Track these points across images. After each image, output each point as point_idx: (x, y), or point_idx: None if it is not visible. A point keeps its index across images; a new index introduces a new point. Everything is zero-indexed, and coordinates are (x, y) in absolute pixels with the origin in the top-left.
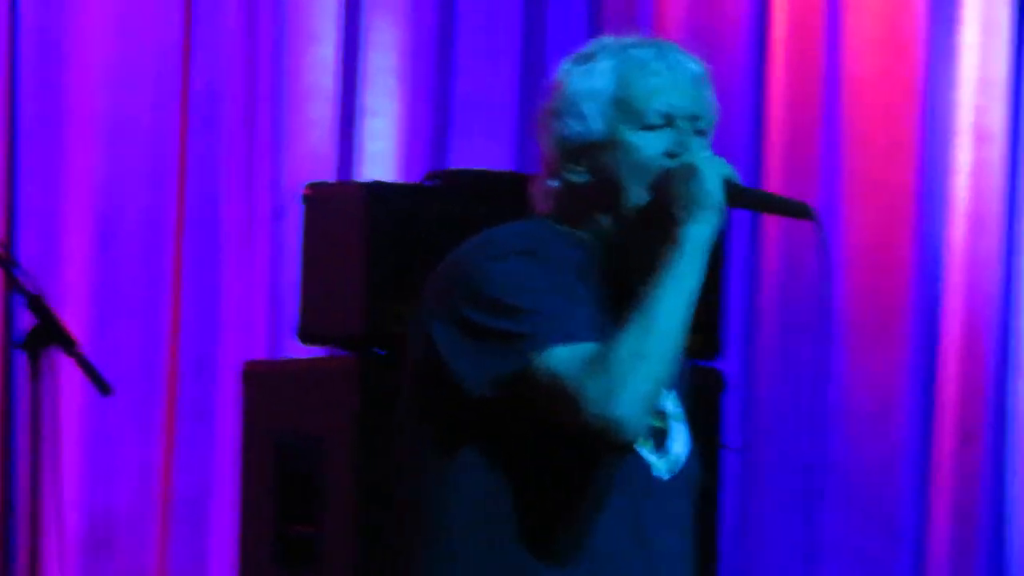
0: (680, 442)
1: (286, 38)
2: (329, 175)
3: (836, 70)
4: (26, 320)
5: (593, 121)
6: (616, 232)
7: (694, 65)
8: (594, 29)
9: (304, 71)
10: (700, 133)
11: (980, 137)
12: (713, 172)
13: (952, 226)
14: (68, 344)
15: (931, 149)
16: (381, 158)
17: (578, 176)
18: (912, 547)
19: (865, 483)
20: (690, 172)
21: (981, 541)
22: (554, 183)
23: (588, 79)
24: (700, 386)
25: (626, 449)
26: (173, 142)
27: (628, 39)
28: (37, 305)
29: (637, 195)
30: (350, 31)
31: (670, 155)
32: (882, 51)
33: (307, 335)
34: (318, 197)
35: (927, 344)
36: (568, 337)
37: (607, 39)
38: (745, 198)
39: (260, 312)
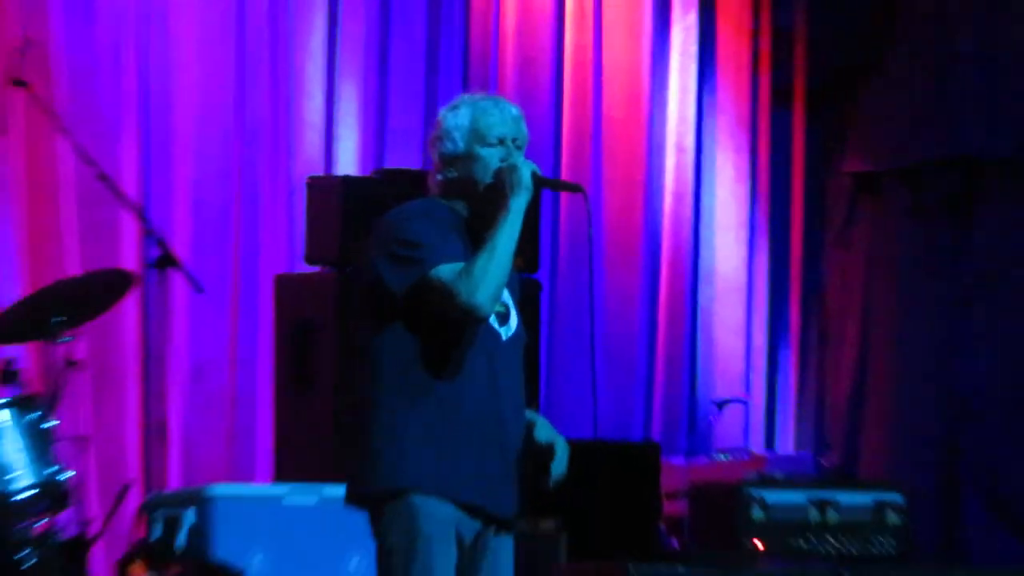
0: (514, 319)
1: (294, 95)
2: (319, 171)
3: (600, 114)
4: (155, 252)
5: (459, 143)
6: (473, 205)
7: (515, 110)
8: (466, 86)
9: (304, 114)
10: (519, 148)
11: (680, 149)
12: (526, 169)
13: (664, 201)
14: (177, 264)
15: (653, 157)
16: (348, 163)
17: (451, 174)
18: (644, 382)
19: (618, 345)
20: (513, 169)
21: (684, 375)
22: (439, 177)
23: (455, 119)
24: (526, 288)
25: (482, 321)
26: (235, 152)
27: (478, 95)
28: (161, 243)
29: (484, 184)
30: (329, 91)
31: (502, 161)
32: (627, 103)
33: (309, 259)
34: (314, 183)
35: (652, 268)
36: (447, 260)
37: (466, 95)
38: (544, 182)
39: (283, 246)
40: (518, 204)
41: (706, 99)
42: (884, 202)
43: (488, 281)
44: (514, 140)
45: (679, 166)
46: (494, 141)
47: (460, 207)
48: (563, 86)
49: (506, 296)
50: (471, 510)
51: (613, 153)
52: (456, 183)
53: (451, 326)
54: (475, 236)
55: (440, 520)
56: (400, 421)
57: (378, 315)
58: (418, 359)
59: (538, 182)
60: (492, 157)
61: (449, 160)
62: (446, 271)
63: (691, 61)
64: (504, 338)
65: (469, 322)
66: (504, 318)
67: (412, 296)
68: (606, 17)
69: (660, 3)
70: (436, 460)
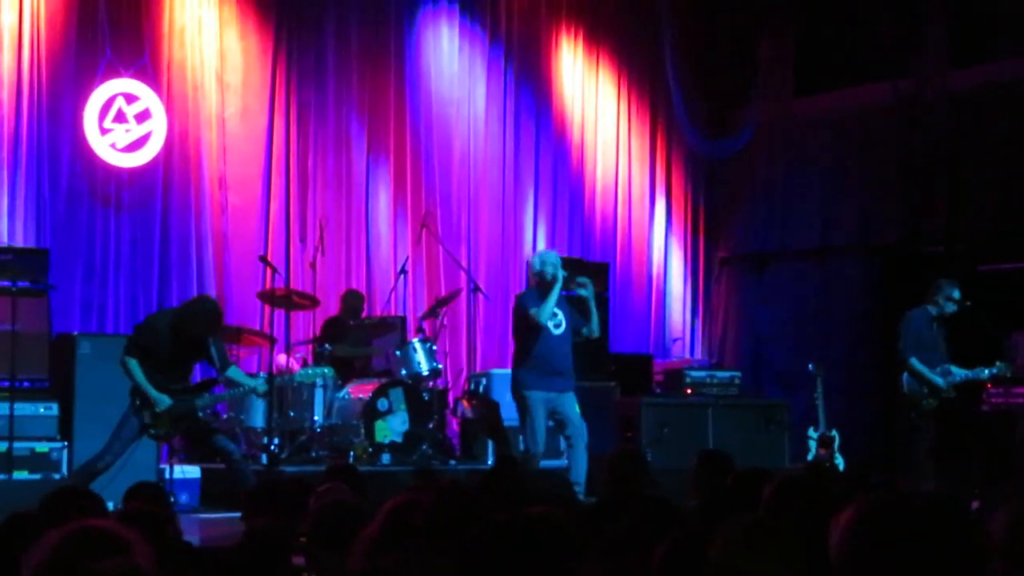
0: (563, 325)
1: (519, 223)
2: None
3: (630, 237)
4: (472, 285)
5: (541, 267)
6: (546, 288)
7: (558, 256)
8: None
9: (524, 232)
10: (561, 267)
11: (659, 248)
12: (561, 276)
13: (655, 266)
14: (480, 289)
15: (651, 251)
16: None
17: (540, 278)
18: (647, 331)
19: (636, 318)
20: (557, 275)
21: (661, 328)
22: (535, 280)
23: (541, 257)
24: (579, 302)
25: (542, 327)
26: (500, 249)
27: (547, 249)
28: (474, 282)
29: (547, 281)
30: (535, 224)
31: (554, 272)
32: (643, 233)
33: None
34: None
35: (648, 291)
36: (534, 306)
37: (544, 249)
38: (569, 275)
39: (520, 283)
40: (557, 287)
41: (668, 230)
42: (730, 268)
43: (542, 314)
44: (562, 266)
45: (659, 256)
46: (555, 268)
47: (543, 290)
48: (617, 231)
49: (560, 317)
50: (547, 391)
51: (636, 251)
52: (541, 283)
53: (532, 328)
54: (544, 297)
55: (537, 400)
56: (523, 364)
57: (516, 323)
58: (528, 337)
59: (566, 278)
60: (552, 275)
61: (537, 273)
62: (533, 311)
63: (663, 218)
64: (556, 334)
65: (537, 326)
66: (558, 327)
67: (524, 319)
68: (633, 202)
69: (652, 198)
70: (535, 376)
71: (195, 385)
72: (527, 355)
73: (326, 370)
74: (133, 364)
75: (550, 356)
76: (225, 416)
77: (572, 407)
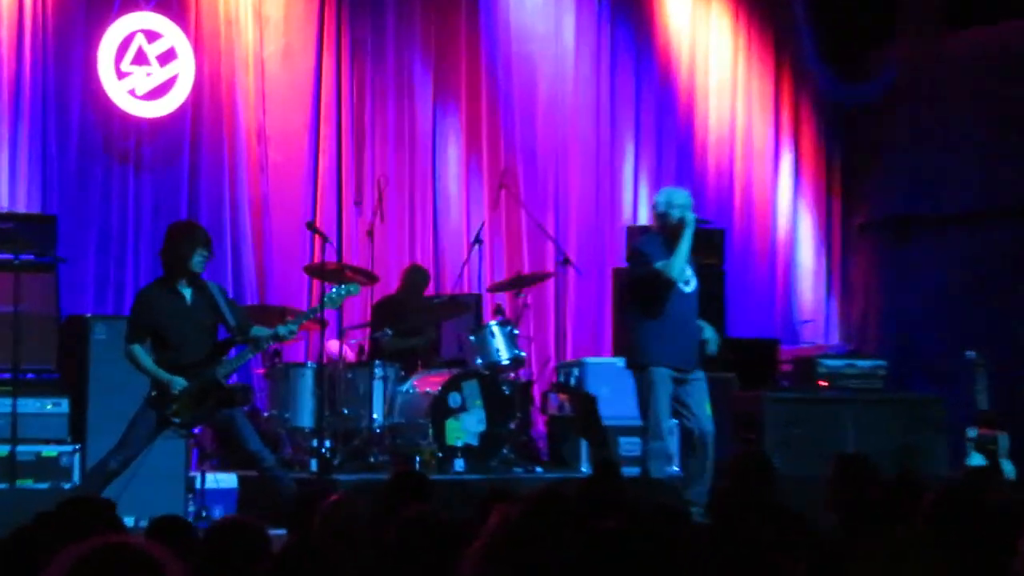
0: (693, 283)
1: (619, 191)
2: (631, 222)
3: (751, 196)
4: (560, 258)
5: (665, 208)
6: (670, 234)
7: (688, 193)
8: (683, 179)
9: (624, 196)
10: (690, 208)
11: (783, 214)
12: (692, 219)
13: (779, 235)
14: (571, 263)
15: (775, 215)
16: (643, 219)
17: (660, 221)
18: (774, 313)
19: (759, 298)
20: (686, 217)
21: (789, 310)
22: (657, 224)
23: (666, 196)
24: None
25: (673, 284)
26: (594, 219)
27: (675, 187)
28: (564, 254)
29: (678, 223)
30: (635, 190)
31: (683, 215)
32: (766, 192)
33: (627, 259)
34: (631, 228)
35: (772, 263)
36: (659, 260)
37: (669, 187)
38: (698, 222)
39: (617, 255)
40: (688, 233)
41: (796, 191)
42: (871, 235)
43: (675, 267)
44: (689, 206)
45: (785, 222)
46: (681, 205)
47: (668, 237)
48: (735, 192)
49: (689, 273)
50: (674, 368)
51: (758, 215)
52: (664, 228)
53: (661, 287)
54: (671, 248)
55: (663, 375)
56: (643, 331)
57: (636, 277)
58: (651, 298)
59: (697, 221)
60: (681, 213)
61: (660, 215)
62: (660, 264)
63: (790, 176)
64: (687, 292)
65: (668, 284)
66: (687, 283)
67: (645, 274)
68: (754, 158)
69: (776, 152)
70: (659, 346)
71: (210, 353)
72: (649, 320)
73: (352, 287)
74: (137, 350)
75: (680, 321)
76: (267, 414)
77: (702, 401)
